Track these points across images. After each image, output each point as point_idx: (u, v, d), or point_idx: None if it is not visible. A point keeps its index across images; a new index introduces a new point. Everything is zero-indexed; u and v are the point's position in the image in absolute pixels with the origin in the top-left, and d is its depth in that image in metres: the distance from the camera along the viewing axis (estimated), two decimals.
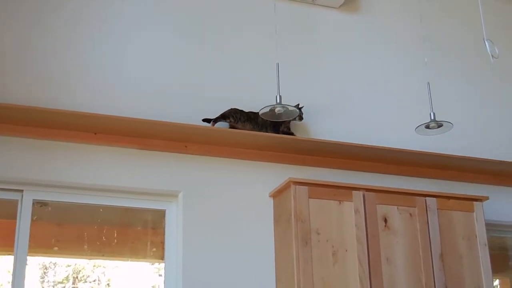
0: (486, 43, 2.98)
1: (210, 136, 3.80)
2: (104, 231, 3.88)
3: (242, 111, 3.97)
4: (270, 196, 3.91)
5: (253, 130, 3.92)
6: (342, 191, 3.71)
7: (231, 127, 3.92)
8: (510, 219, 4.57)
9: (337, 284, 3.51)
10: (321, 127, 4.24)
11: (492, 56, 2.96)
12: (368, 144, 4.14)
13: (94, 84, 3.79)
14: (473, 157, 4.35)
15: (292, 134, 4.06)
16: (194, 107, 3.95)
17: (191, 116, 3.87)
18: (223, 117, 3.91)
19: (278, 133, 3.97)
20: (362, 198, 3.73)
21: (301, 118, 4.11)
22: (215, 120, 3.89)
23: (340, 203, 3.68)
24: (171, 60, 4.04)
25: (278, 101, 3.28)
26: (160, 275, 3.83)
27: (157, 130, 3.69)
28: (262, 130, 3.95)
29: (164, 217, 3.84)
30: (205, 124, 3.86)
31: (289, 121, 4.03)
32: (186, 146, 3.83)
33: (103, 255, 3.90)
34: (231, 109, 3.95)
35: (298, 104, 4.04)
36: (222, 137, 3.83)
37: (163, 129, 3.69)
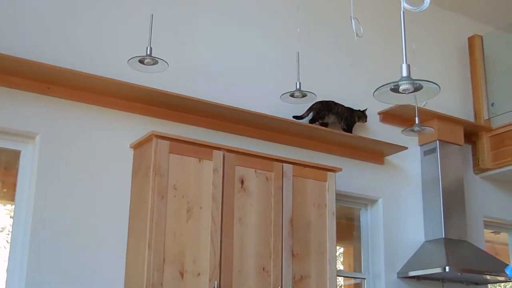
0: (353, 21, 3.10)
1: (74, 79, 3.70)
2: None
3: (325, 103, 4.59)
4: (131, 147, 3.89)
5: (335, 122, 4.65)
6: (203, 149, 3.76)
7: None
8: (359, 191, 4.83)
9: (188, 240, 3.58)
10: (194, 86, 4.21)
11: (357, 34, 3.08)
12: (235, 106, 4.20)
13: None
14: (330, 129, 4.55)
15: (350, 131, 4.68)
16: (62, 48, 3.83)
17: (57, 57, 3.75)
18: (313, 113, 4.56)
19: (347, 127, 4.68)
20: (222, 158, 3.80)
21: (365, 120, 4.77)
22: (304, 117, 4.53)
23: (200, 161, 3.73)
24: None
25: (148, 53, 3.26)
26: (11, 217, 3.72)
27: (19, 67, 3.55)
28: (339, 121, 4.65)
29: (18, 158, 3.72)
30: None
31: (355, 121, 4.72)
32: (49, 88, 3.72)
33: None
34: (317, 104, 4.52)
35: (366, 109, 4.79)
36: (87, 83, 3.75)
37: (26, 67, 3.56)
